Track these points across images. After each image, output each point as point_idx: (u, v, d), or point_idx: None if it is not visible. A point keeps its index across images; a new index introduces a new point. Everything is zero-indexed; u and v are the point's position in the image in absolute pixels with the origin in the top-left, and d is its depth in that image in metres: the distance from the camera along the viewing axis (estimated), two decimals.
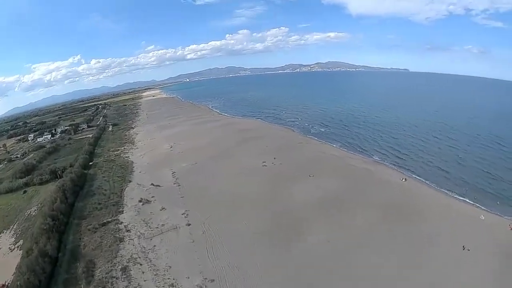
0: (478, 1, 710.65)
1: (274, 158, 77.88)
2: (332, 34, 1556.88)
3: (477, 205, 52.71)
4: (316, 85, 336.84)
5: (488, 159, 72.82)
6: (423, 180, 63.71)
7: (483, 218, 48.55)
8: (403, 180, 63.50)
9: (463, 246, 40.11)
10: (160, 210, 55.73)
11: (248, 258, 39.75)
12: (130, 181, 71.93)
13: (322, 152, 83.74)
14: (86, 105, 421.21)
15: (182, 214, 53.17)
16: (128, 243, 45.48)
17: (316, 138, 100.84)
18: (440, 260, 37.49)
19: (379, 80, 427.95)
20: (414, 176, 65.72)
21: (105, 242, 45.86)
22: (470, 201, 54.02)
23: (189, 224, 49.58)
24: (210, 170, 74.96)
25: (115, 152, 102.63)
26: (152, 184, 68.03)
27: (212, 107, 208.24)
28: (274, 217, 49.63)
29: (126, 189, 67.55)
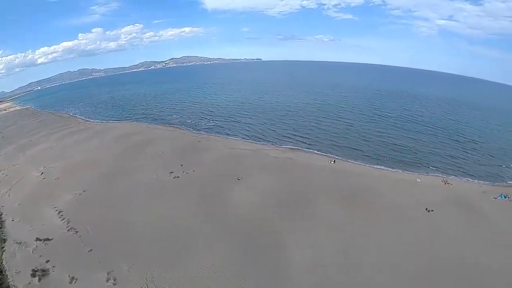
0: None
1: (181, 165, 61.81)
2: (187, 29, 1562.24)
3: (407, 171, 59.57)
4: (176, 80, 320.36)
5: (384, 132, 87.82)
6: (347, 159, 66.81)
7: (419, 181, 54.59)
8: (332, 162, 64.32)
9: (426, 208, 44.05)
10: (70, 283, 32.85)
11: None
12: (4, 240, 42.42)
13: (230, 148, 73.22)
14: None
15: (108, 281, 32.55)
16: None
17: (212, 134, 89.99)
18: (420, 226, 40.28)
19: (236, 71, 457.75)
20: (336, 157, 67.35)
21: None
22: (400, 170, 60.57)
23: None
24: (109, 198, 50.94)
25: None
26: (38, 239, 41.19)
27: (74, 114, 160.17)
28: (236, 245, 37.43)
29: (3, 255, 38.59)
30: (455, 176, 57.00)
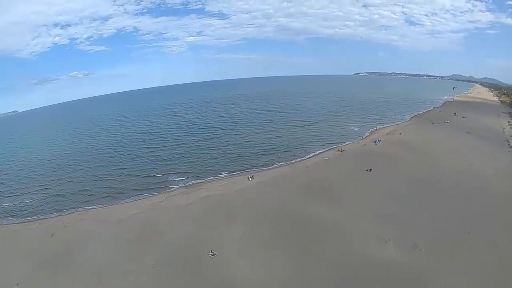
0: (83, 31, 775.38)
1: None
2: None
3: (308, 157, 69.62)
4: None
5: (241, 140, 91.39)
6: (258, 171, 64.48)
7: (326, 158, 65.72)
8: (250, 179, 58.70)
9: (366, 169, 56.18)
10: None
11: None
12: None
13: (117, 221, 46.94)
14: None
15: None
16: None
17: (60, 215, 52.59)
18: (379, 180, 51.78)
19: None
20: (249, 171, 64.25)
21: None
22: (304, 156, 70.18)
23: None
24: None
25: None
26: None
27: None
28: None
29: None
30: (332, 147, 74.20)
